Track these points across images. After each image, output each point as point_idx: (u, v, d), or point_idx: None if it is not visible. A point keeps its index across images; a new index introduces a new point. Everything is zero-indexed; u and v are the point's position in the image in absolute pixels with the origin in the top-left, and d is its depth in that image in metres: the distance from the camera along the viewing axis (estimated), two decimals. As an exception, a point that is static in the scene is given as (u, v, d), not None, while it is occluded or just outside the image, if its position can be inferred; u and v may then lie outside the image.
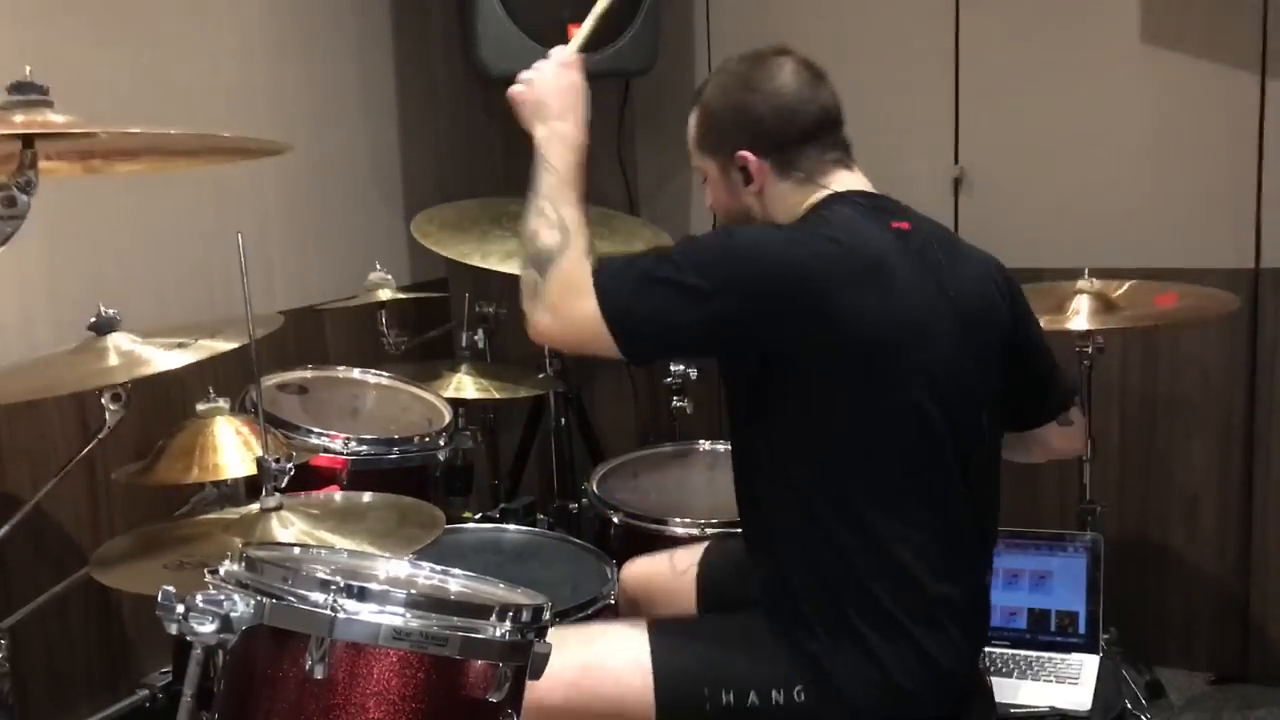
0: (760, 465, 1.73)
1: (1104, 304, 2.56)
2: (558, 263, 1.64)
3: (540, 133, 1.75)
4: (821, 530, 1.65)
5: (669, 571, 2.07)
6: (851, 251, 1.62)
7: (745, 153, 1.73)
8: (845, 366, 1.61)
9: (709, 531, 2.26)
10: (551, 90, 1.76)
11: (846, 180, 1.75)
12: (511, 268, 2.70)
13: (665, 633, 1.73)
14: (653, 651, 1.68)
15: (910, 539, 1.63)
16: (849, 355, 1.60)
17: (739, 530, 1.84)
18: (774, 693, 1.64)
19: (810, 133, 1.73)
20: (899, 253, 1.65)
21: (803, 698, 1.63)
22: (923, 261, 1.67)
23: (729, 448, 2.67)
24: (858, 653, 1.63)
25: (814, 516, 1.65)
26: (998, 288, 1.78)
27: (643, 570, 2.11)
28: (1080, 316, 2.52)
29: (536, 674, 1.45)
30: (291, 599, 1.32)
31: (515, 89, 1.79)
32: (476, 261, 2.70)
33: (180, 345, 1.94)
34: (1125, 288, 2.63)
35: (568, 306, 1.62)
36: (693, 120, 1.81)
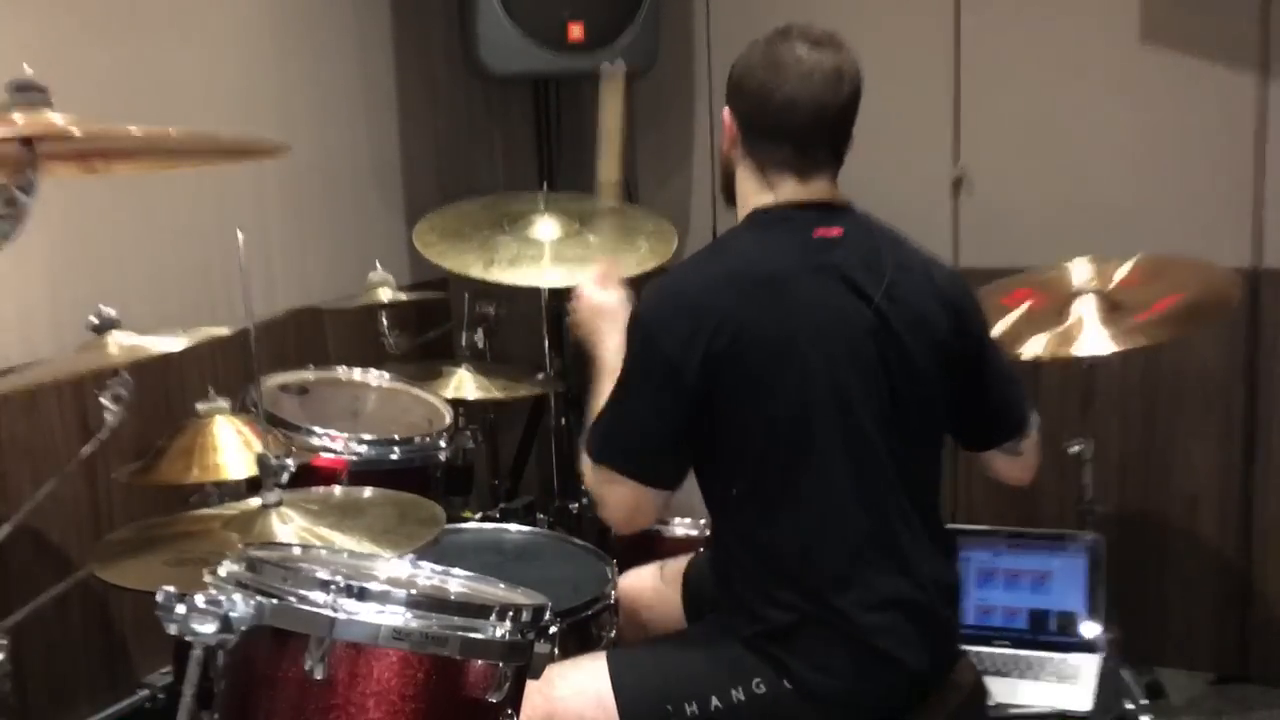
0: (700, 471, 1.79)
1: (1107, 304, 2.53)
2: (583, 462, 1.78)
3: (594, 355, 1.94)
4: (744, 531, 1.73)
5: (657, 584, 2.11)
6: (747, 267, 1.70)
7: (727, 112, 1.78)
8: (732, 382, 1.67)
9: (709, 532, 2.26)
10: (587, 321, 1.98)
11: (790, 189, 1.74)
12: (514, 276, 2.71)
13: (622, 661, 1.77)
14: (613, 682, 1.72)
15: (843, 532, 1.68)
16: (735, 371, 1.66)
17: None
18: (734, 691, 1.68)
19: (774, 130, 1.73)
20: (800, 264, 1.69)
21: (761, 689, 1.67)
22: (835, 270, 1.70)
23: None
24: (809, 637, 1.67)
25: (734, 519, 1.75)
26: (940, 301, 1.76)
27: (633, 585, 2.13)
28: (1084, 334, 2.45)
29: (536, 674, 1.45)
30: (291, 599, 1.32)
31: (571, 319, 2.03)
32: (478, 273, 2.69)
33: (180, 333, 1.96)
34: (1125, 270, 2.59)
35: (604, 490, 1.77)
36: None
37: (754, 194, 1.77)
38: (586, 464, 1.77)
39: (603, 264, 2.10)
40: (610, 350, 1.87)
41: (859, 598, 1.68)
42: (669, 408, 1.69)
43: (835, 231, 1.72)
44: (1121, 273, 2.59)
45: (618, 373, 1.78)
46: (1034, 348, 2.44)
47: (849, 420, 1.68)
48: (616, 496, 1.75)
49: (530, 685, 1.49)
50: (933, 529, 1.79)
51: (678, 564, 2.11)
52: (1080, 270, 2.59)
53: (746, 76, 1.74)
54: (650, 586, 2.11)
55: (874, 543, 1.70)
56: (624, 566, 2.16)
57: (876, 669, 1.68)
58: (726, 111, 1.78)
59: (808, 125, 1.71)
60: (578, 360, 3.18)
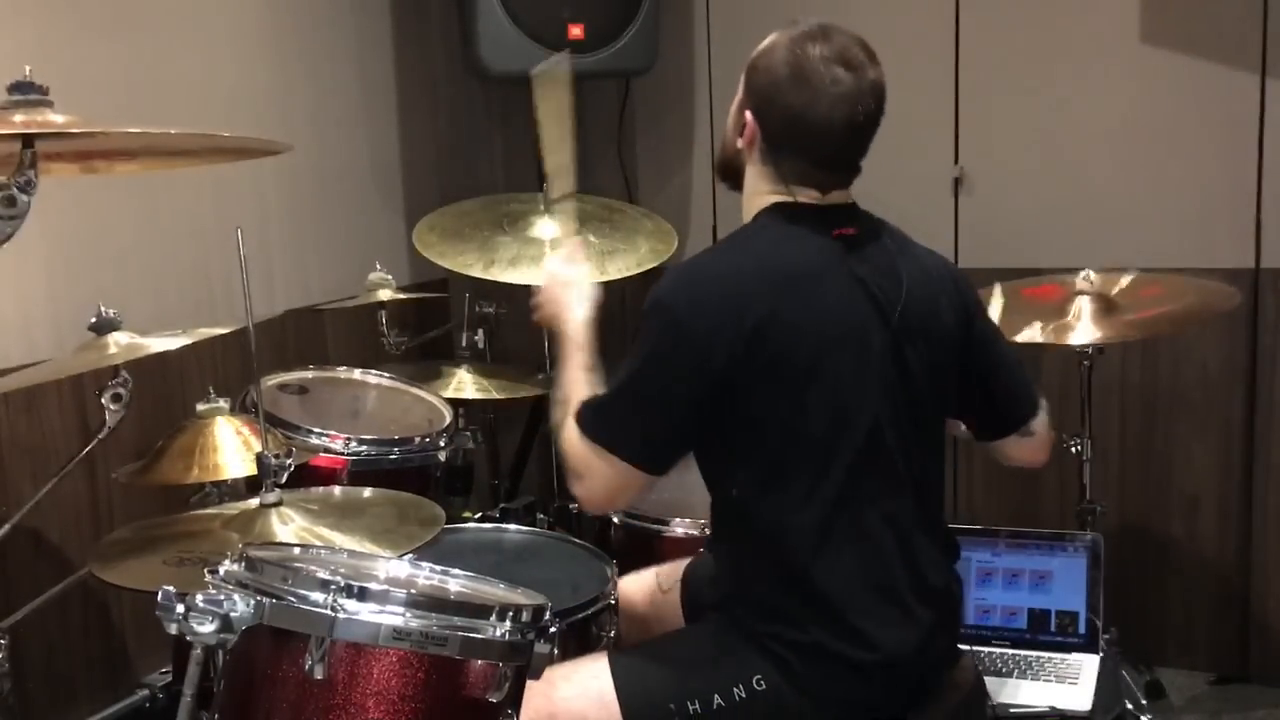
0: (705, 468, 1.79)
1: (1105, 304, 2.56)
2: (564, 433, 1.74)
3: (560, 337, 1.91)
4: (757, 526, 1.71)
5: (655, 589, 2.10)
6: (775, 262, 1.68)
7: (750, 116, 1.75)
8: (759, 374, 1.65)
9: (709, 532, 2.26)
10: (551, 300, 1.95)
11: (808, 195, 1.74)
12: (514, 275, 2.71)
13: (625, 662, 1.76)
14: (615, 683, 1.72)
15: (851, 531, 1.67)
16: (764, 363, 1.65)
17: None
18: (735, 689, 1.67)
19: (806, 153, 1.72)
20: (825, 264, 1.69)
21: (762, 685, 1.67)
22: (854, 269, 1.70)
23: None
24: (812, 635, 1.66)
25: (746, 513, 1.72)
26: (949, 298, 1.78)
27: (631, 589, 2.13)
28: (1083, 324, 2.51)
29: (536, 674, 1.45)
30: (291, 599, 1.32)
31: (534, 314, 2.00)
32: (479, 273, 2.70)
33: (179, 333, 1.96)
34: (1124, 283, 2.62)
35: (587, 466, 1.72)
36: (761, 45, 1.79)
37: (768, 192, 1.76)
38: (571, 436, 1.73)
39: (570, 244, 2.12)
40: (576, 324, 1.88)
41: (868, 599, 1.67)
42: (684, 395, 1.66)
43: (850, 231, 1.73)
44: (1121, 284, 2.63)
45: (583, 347, 1.82)
46: (1031, 334, 2.48)
47: (869, 422, 1.68)
48: (603, 476, 1.71)
49: (532, 686, 1.49)
50: (941, 532, 1.80)
51: (674, 570, 2.10)
52: (1081, 280, 2.61)
53: (776, 91, 1.70)
54: (648, 594, 2.11)
55: (887, 546, 1.70)
56: (623, 568, 2.16)
57: (879, 668, 1.68)
58: (749, 113, 1.74)
59: (835, 147, 1.71)
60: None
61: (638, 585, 2.14)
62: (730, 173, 1.84)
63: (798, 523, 1.68)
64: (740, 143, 1.78)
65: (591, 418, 1.72)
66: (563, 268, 2.01)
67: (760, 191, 1.77)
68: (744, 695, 1.67)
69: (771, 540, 1.70)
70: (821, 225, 1.72)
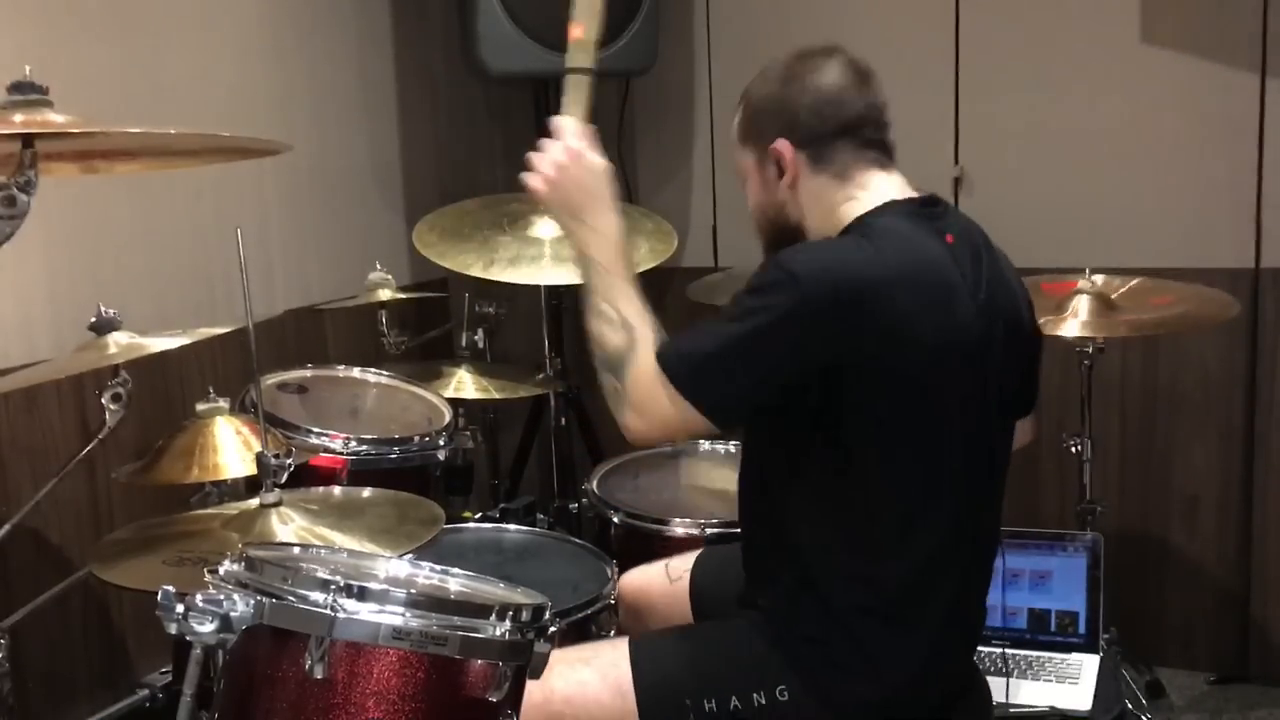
0: (781, 476, 1.71)
1: (1104, 304, 2.56)
2: (632, 363, 1.63)
3: (578, 231, 1.72)
4: (826, 537, 1.65)
5: (664, 581, 2.07)
6: (918, 269, 1.59)
7: (781, 142, 1.69)
8: (896, 384, 1.58)
9: (709, 532, 2.26)
10: (574, 185, 1.73)
11: (881, 182, 1.70)
12: (514, 275, 2.71)
13: (645, 649, 1.73)
14: (634, 670, 1.69)
15: (910, 543, 1.63)
16: (903, 373, 1.57)
17: (733, 534, 1.84)
18: (755, 695, 1.64)
19: (847, 128, 1.69)
20: (953, 269, 1.63)
21: (785, 696, 1.63)
22: (965, 277, 1.64)
23: (729, 448, 2.69)
24: (853, 654, 1.63)
25: (822, 526, 1.65)
26: (1021, 296, 1.77)
27: (638, 581, 2.11)
28: (1080, 319, 2.52)
29: (536, 674, 1.45)
30: (291, 599, 1.32)
31: (533, 182, 1.74)
32: (479, 273, 2.69)
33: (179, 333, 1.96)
34: (1126, 288, 2.63)
35: (654, 404, 1.60)
36: (737, 115, 1.78)
37: (841, 203, 1.69)
38: (645, 370, 1.61)
39: (586, 130, 1.80)
40: (611, 219, 1.71)
41: (930, 615, 1.65)
42: (786, 365, 1.57)
43: (950, 238, 1.67)
44: (1122, 290, 2.64)
45: (609, 259, 1.67)
46: None
47: (980, 442, 1.65)
48: (669, 417, 1.60)
49: (551, 665, 1.46)
50: (998, 540, 1.79)
51: (684, 562, 2.07)
52: (1082, 282, 2.61)
53: (784, 99, 1.69)
54: (657, 586, 2.08)
55: (977, 556, 1.71)
56: (623, 568, 2.16)
57: (916, 681, 1.65)
58: (775, 146, 1.69)
59: (863, 110, 1.69)
60: (578, 360, 3.19)
61: (645, 576, 2.11)
62: (783, 232, 1.74)
63: (869, 533, 1.62)
64: (784, 184, 1.71)
65: (681, 365, 1.59)
66: (591, 154, 1.75)
67: (836, 203, 1.69)
68: (763, 702, 1.64)
69: (852, 542, 1.64)
70: (932, 229, 1.66)
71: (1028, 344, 1.78)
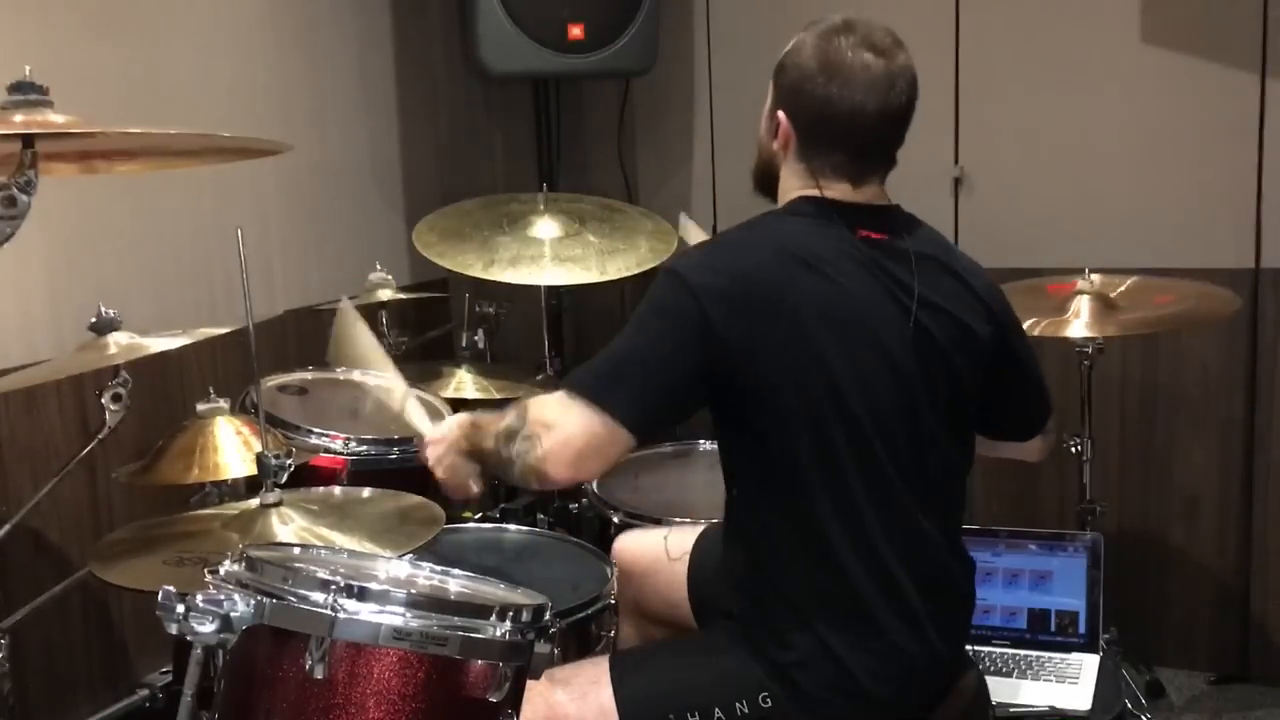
0: (728, 472, 1.74)
1: (1104, 304, 2.56)
2: (530, 407, 1.67)
3: (473, 459, 1.79)
4: (775, 537, 1.67)
5: (663, 555, 2.07)
6: (792, 251, 1.64)
7: (783, 115, 1.72)
8: (778, 376, 1.61)
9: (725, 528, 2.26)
10: (453, 466, 1.81)
11: (840, 191, 1.72)
12: (515, 275, 2.71)
13: (625, 668, 1.73)
14: (614, 690, 1.69)
15: (840, 548, 1.63)
16: (782, 365, 1.61)
17: None
18: (738, 705, 1.64)
19: (845, 144, 1.71)
20: (841, 254, 1.65)
21: (769, 703, 1.64)
22: (879, 273, 1.66)
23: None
24: (823, 655, 1.63)
25: (765, 524, 1.68)
26: (986, 315, 1.76)
27: (636, 547, 2.11)
28: (1080, 320, 2.52)
29: (537, 674, 1.45)
30: (291, 599, 1.32)
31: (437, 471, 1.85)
32: (479, 273, 2.70)
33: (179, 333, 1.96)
34: (1125, 286, 2.63)
35: (564, 425, 1.61)
36: (787, 47, 1.78)
37: (799, 188, 1.74)
38: (543, 399, 1.66)
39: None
40: (473, 441, 1.77)
41: (890, 611, 1.64)
42: (683, 358, 1.61)
43: (879, 235, 1.69)
44: (1121, 288, 2.64)
45: (475, 423, 1.75)
46: (1027, 328, 2.48)
47: (885, 422, 1.64)
48: (574, 427, 1.60)
49: (531, 688, 1.48)
50: (958, 540, 1.78)
51: (684, 540, 2.07)
52: (1082, 282, 2.61)
53: (807, 82, 1.69)
54: (653, 554, 2.08)
55: (947, 557, 1.71)
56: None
57: (897, 681, 1.65)
58: (781, 113, 1.72)
59: (870, 134, 1.70)
60: (578, 360, 3.18)
61: (642, 545, 2.11)
62: (766, 181, 1.80)
63: (815, 531, 1.63)
64: (775, 145, 1.75)
65: (586, 375, 1.63)
66: (436, 439, 1.87)
67: (793, 189, 1.74)
68: (746, 711, 1.64)
69: (787, 551, 1.66)
70: (847, 221, 1.68)
71: (980, 356, 1.75)
